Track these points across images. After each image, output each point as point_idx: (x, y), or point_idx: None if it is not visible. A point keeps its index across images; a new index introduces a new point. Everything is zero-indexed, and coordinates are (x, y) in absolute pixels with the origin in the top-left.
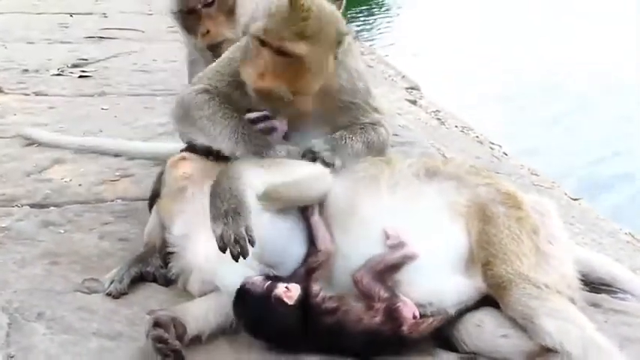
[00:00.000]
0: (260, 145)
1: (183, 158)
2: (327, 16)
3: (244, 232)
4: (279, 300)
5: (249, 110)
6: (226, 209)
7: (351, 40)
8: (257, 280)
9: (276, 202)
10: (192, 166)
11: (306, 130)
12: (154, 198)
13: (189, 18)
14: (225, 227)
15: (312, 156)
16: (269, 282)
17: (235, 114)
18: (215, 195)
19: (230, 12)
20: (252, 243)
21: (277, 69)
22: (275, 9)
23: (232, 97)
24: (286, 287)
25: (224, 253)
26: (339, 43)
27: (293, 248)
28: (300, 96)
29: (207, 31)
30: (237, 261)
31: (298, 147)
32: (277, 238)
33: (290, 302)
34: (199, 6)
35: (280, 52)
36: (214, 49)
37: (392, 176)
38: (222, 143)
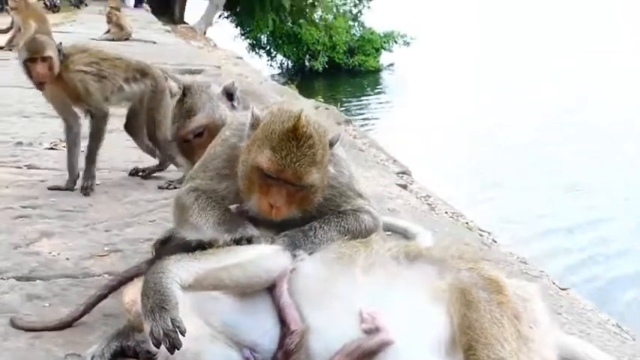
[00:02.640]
0: (239, 229)
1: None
2: (322, 130)
3: (171, 325)
4: None
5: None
6: (152, 306)
7: (339, 139)
8: None
9: (218, 287)
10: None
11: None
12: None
13: (184, 145)
14: (153, 323)
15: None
16: None
17: (220, 205)
18: (143, 294)
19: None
20: (182, 333)
21: (290, 198)
22: (277, 140)
23: (218, 191)
24: None
25: (158, 348)
26: (331, 146)
27: (267, 327)
28: (308, 209)
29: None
30: (172, 353)
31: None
32: (250, 318)
33: None
34: (191, 137)
35: (293, 185)
36: None
37: (368, 257)
38: (210, 233)
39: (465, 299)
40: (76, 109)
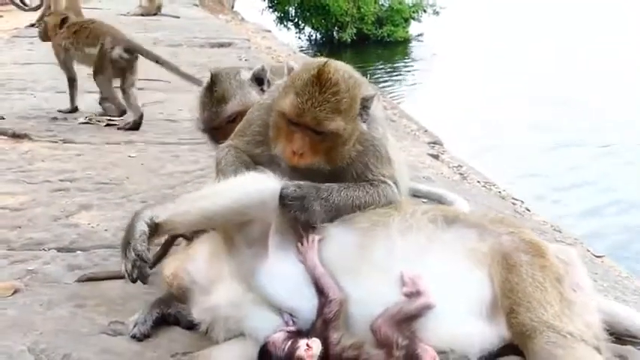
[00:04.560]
0: None
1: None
2: (352, 82)
3: (135, 255)
4: None
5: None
6: (122, 245)
7: (376, 100)
8: (278, 338)
9: (205, 217)
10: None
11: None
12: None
13: (216, 133)
14: (124, 261)
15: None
16: (290, 341)
17: (246, 161)
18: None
19: None
20: (144, 260)
21: (314, 146)
22: (301, 85)
23: (253, 154)
24: (307, 345)
25: (134, 283)
26: (366, 107)
27: (305, 294)
28: (336, 163)
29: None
30: (144, 282)
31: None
32: (288, 285)
33: None
34: (223, 124)
35: (315, 131)
36: None
37: (404, 221)
38: None
39: (506, 263)
40: None
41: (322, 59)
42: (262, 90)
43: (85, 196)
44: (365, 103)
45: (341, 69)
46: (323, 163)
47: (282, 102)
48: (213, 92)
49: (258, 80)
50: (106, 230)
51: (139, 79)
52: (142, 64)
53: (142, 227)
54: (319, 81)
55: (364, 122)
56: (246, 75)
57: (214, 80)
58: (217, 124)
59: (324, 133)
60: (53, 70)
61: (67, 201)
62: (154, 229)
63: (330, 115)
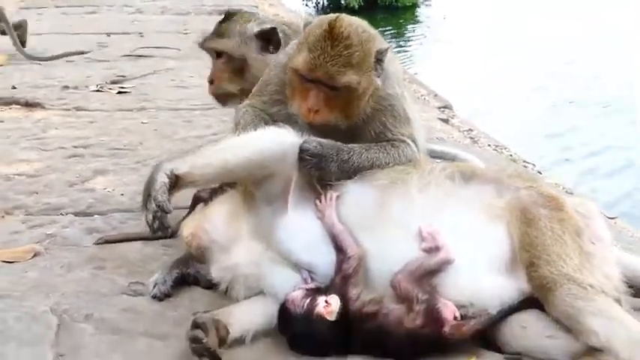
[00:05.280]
0: None
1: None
2: (366, 35)
3: (155, 207)
4: (321, 317)
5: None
6: (143, 197)
7: (390, 52)
8: (297, 296)
9: (225, 169)
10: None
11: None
12: (196, 201)
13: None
14: (146, 212)
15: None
16: (309, 298)
17: (264, 119)
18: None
19: (238, 71)
20: (165, 211)
21: (329, 102)
22: (313, 40)
23: (271, 113)
24: (326, 302)
25: (154, 234)
26: (380, 60)
27: (323, 250)
28: (352, 119)
29: (212, 81)
30: (164, 233)
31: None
32: (306, 239)
33: (331, 318)
34: (213, 54)
35: (329, 86)
36: (219, 99)
37: (422, 178)
38: None
39: (525, 217)
40: None
41: (335, 15)
42: (268, 49)
43: (100, 161)
44: (379, 56)
45: (354, 23)
46: (339, 119)
47: (295, 59)
48: (220, 25)
49: (265, 39)
50: (122, 195)
51: (150, 47)
52: (152, 36)
53: (162, 179)
54: (331, 35)
55: (379, 77)
56: (255, 29)
57: (226, 16)
58: (206, 49)
59: (338, 88)
60: (62, 41)
61: (82, 167)
62: (174, 181)
63: (342, 69)
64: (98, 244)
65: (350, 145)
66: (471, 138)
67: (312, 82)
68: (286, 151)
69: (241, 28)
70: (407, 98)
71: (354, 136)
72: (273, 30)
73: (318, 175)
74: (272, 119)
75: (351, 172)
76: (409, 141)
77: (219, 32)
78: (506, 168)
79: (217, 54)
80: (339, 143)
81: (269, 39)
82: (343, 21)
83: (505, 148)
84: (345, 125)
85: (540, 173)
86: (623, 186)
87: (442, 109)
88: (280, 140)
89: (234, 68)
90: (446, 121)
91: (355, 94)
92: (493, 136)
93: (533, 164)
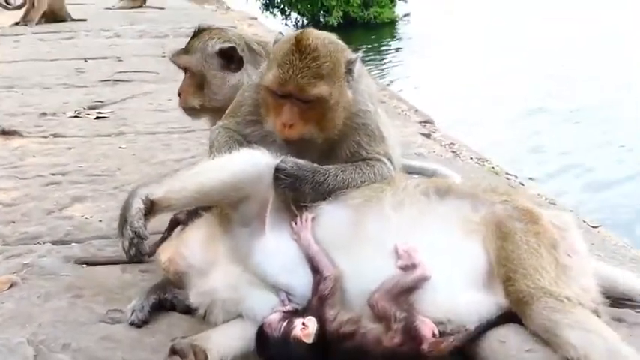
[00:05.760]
0: None
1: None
2: (333, 47)
3: (132, 233)
4: (298, 340)
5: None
6: (119, 223)
7: (359, 64)
8: (274, 319)
9: (201, 193)
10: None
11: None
12: (174, 223)
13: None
14: (122, 239)
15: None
16: (286, 321)
17: (238, 141)
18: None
19: (200, 86)
20: (141, 237)
21: (302, 115)
22: (281, 56)
23: (245, 134)
24: (303, 324)
25: (131, 260)
26: (350, 70)
27: (300, 272)
28: (328, 132)
29: (179, 94)
30: (140, 259)
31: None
32: (283, 261)
33: (308, 340)
34: (179, 67)
35: (301, 99)
36: (186, 112)
37: (396, 195)
38: None
39: (500, 231)
40: None
41: (301, 29)
42: (229, 67)
43: (78, 188)
44: (349, 66)
45: (320, 36)
46: (314, 132)
47: (265, 76)
48: (189, 40)
49: (226, 57)
50: (100, 221)
51: (128, 71)
52: (130, 60)
53: (138, 205)
54: (298, 49)
55: (350, 88)
56: (217, 46)
57: (195, 33)
58: (173, 61)
59: (310, 101)
60: (39, 67)
61: (60, 194)
62: (150, 206)
63: (312, 81)
64: (77, 264)
65: (326, 167)
66: (453, 152)
67: (285, 97)
68: (261, 173)
69: (203, 45)
70: (380, 115)
71: (329, 155)
72: (233, 49)
73: (293, 197)
74: (246, 140)
75: (326, 193)
76: (385, 159)
77: (186, 48)
78: (481, 183)
79: (184, 69)
80: (315, 165)
81: (231, 56)
82: (310, 34)
83: (487, 161)
84: (320, 139)
85: (522, 185)
86: (607, 195)
87: (424, 124)
88: (255, 162)
89: (197, 83)
90: (428, 135)
91: (328, 105)
92: (475, 149)
93: (516, 176)
